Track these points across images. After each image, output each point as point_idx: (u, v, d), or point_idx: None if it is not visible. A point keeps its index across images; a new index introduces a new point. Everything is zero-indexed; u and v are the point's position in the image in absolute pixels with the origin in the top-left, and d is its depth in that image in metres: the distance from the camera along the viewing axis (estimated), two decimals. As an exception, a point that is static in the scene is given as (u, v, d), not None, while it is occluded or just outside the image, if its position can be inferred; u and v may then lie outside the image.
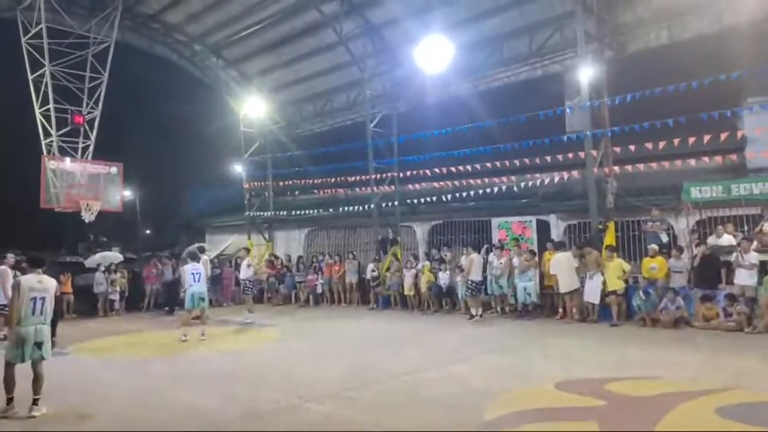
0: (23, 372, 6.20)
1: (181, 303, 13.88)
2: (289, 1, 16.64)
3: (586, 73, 12.68)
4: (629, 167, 13.19)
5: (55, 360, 8.99)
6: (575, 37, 12.99)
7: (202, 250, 13.16)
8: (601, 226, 12.57)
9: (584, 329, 10.92)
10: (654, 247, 11.54)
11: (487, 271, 13.40)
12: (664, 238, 12.15)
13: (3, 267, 10.75)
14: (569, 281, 11.80)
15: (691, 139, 11.80)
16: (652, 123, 11.67)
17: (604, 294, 11.46)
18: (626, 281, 11.46)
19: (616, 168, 13.31)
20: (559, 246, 12.60)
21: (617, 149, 13.09)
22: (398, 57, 17.06)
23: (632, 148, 12.69)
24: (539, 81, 16.16)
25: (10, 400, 6.05)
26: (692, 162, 12.46)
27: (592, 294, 11.52)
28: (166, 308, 15.98)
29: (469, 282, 12.48)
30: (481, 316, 12.40)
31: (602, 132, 12.92)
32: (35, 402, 6.10)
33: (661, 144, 12.12)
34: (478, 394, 6.36)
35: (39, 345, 6.21)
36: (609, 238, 12.28)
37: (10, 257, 10.96)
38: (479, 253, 13.01)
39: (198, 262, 11.65)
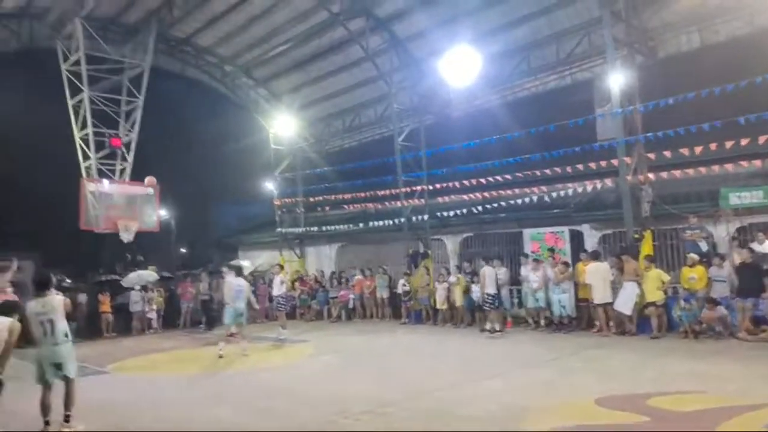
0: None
1: (216, 319, 14.21)
2: (315, 19, 16.91)
3: (617, 80, 12.47)
4: (664, 174, 12.88)
5: (95, 379, 9.25)
6: (604, 44, 12.82)
7: (230, 267, 13.35)
8: (637, 236, 12.26)
9: (623, 342, 10.64)
10: (693, 256, 11.20)
11: (523, 285, 13.25)
12: (704, 247, 11.78)
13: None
14: (604, 292, 11.53)
15: (729, 143, 11.45)
16: (687, 128, 11.38)
17: (643, 306, 11.17)
18: (665, 292, 11.14)
19: (651, 175, 13.00)
20: (595, 256, 12.34)
21: (651, 156, 12.81)
22: (424, 70, 17.12)
23: (667, 154, 12.40)
24: (568, 89, 15.99)
25: (46, 423, 6.14)
26: (730, 167, 12.10)
27: (623, 304, 11.22)
28: (201, 325, 16.24)
29: (485, 296, 12.35)
30: (499, 330, 12.20)
31: (635, 139, 12.67)
32: (66, 419, 6.19)
33: (698, 149, 11.78)
34: (514, 411, 6.25)
35: (58, 366, 6.25)
36: (646, 248, 11.97)
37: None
38: (491, 264, 12.85)
39: (241, 277, 11.87)
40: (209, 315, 15.99)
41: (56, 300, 6.43)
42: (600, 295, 11.56)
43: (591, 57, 14.58)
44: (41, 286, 6.49)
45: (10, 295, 10.24)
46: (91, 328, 15.62)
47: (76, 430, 6.19)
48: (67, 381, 6.32)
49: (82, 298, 15.67)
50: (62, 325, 6.35)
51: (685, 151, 11.94)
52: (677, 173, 12.67)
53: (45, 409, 6.18)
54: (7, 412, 6.16)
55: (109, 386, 8.83)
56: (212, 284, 16.25)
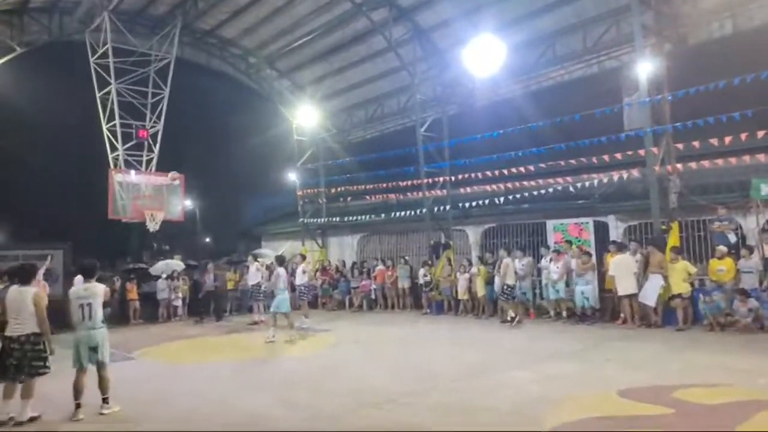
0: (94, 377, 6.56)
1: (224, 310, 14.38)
2: (338, 10, 16.90)
3: (645, 68, 12.21)
4: (693, 164, 12.59)
5: (123, 364, 9.47)
6: (632, 32, 12.56)
7: (255, 257, 13.59)
8: (664, 227, 12.05)
9: (647, 334, 10.50)
10: (722, 248, 10.97)
11: (543, 276, 13.17)
12: (732, 238, 11.52)
13: (79, 276, 11.30)
14: (627, 284, 11.38)
15: (760, 133, 11.13)
16: (717, 117, 11.09)
17: (669, 297, 11.00)
18: (692, 284, 10.95)
19: (679, 165, 12.74)
20: (621, 247, 12.17)
21: (680, 146, 12.54)
22: (448, 60, 17.00)
23: (696, 144, 12.12)
24: (595, 78, 15.72)
25: (78, 406, 6.36)
26: (761, 157, 11.76)
27: (647, 296, 11.07)
28: (197, 317, 16.24)
29: (504, 286, 12.32)
30: (518, 321, 12.25)
31: (663, 128, 12.41)
32: (105, 401, 6.49)
33: (727, 139, 11.48)
34: (537, 402, 6.23)
35: (94, 349, 6.52)
36: (673, 239, 11.76)
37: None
38: (512, 255, 12.92)
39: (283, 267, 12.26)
40: (219, 305, 16.20)
41: (98, 287, 6.74)
42: (625, 286, 11.41)
43: (619, 45, 14.33)
44: (88, 273, 6.88)
45: (40, 282, 10.58)
46: (119, 315, 15.99)
47: (114, 410, 6.45)
48: (102, 365, 6.56)
49: (117, 284, 16.10)
50: (100, 311, 6.66)
51: (714, 141, 11.65)
52: (706, 163, 12.39)
53: (78, 392, 6.40)
54: (39, 396, 6.36)
55: (135, 371, 9.05)
56: (214, 276, 16.31)
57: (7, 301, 6.44)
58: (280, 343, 11.36)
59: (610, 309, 12.19)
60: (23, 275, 6.65)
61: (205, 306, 16.32)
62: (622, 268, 11.47)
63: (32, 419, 6.21)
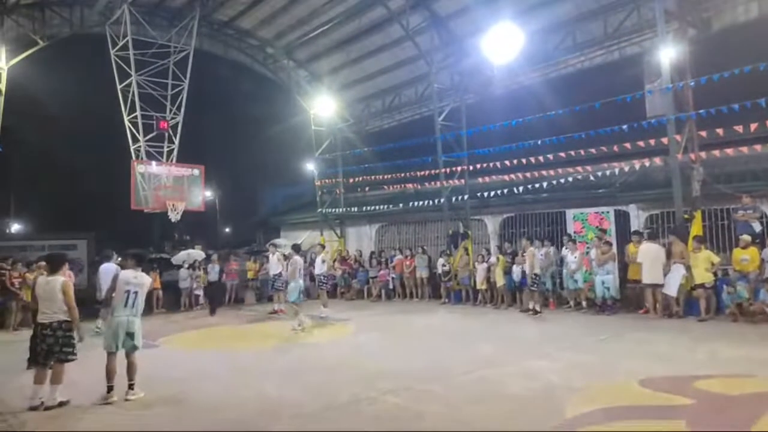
0: (121, 362, 6.72)
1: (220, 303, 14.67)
2: (355, -1, 16.83)
3: (667, 54, 11.99)
4: (716, 152, 12.38)
5: (147, 352, 9.64)
6: (654, 17, 12.31)
7: (276, 246, 13.73)
8: (686, 216, 11.88)
9: (669, 324, 10.41)
10: (746, 237, 10.78)
11: (563, 266, 13.11)
12: (757, 227, 11.32)
13: (106, 265, 11.50)
14: (654, 274, 11.25)
15: (787, 120, 10.91)
16: (742, 104, 10.87)
17: (691, 287, 10.87)
18: (715, 274, 10.80)
19: (703, 153, 12.52)
20: (651, 236, 12.00)
21: (703, 133, 12.32)
22: (466, 48, 16.84)
23: (720, 131, 11.89)
24: (616, 64, 15.45)
25: (110, 389, 6.57)
26: (788, 144, 11.53)
27: (669, 286, 10.95)
28: (199, 306, 16.25)
29: (533, 275, 12.29)
30: (540, 311, 12.25)
31: (686, 115, 12.20)
32: (131, 386, 6.67)
33: (753, 126, 11.26)
34: (557, 391, 6.23)
35: (131, 335, 6.76)
36: (696, 228, 11.60)
37: (115, 256, 11.78)
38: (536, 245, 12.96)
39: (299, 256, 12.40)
40: (216, 298, 15.77)
41: (146, 277, 7.07)
42: (652, 275, 11.28)
43: (641, 31, 14.05)
44: (140, 261, 7.22)
45: (66, 271, 10.78)
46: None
47: (139, 396, 6.63)
48: (130, 351, 6.77)
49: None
50: (143, 301, 6.95)
51: (739, 128, 11.42)
52: (730, 151, 12.17)
53: (110, 374, 6.61)
54: (67, 383, 6.54)
55: (160, 359, 9.23)
56: (220, 267, 16.17)
57: (37, 290, 6.65)
58: (296, 332, 11.50)
59: (632, 299, 12.08)
60: (52, 264, 6.84)
61: (209, 298, 15.93)
62: (650, 256, 11.34)
63: (61, 404, 6.39)
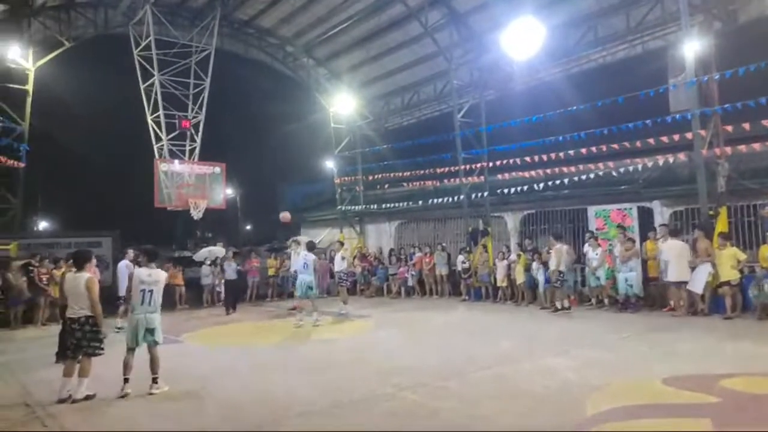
0: (144, 357, 6.87)
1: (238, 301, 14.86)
2: (374, -3, 16.84)
3: (692, 48, 11.76)
4: (743, 147, 12.10)
5: (170, 347, 9.82)
6: (678, 10, 12.09)
7: (298, 243, 13.79)
8: (711, 212, 11.66)
9: (694, 322, 10.22)
10: (773, 233, 10.55)
11: (585, 263, 12.96)
12: (785, 224, 11.07)
13: (124, 261, 11.76)
14: (679, 271, 11.05)
15: (817, 114, 10.63)
16: (770, 98, 10.63)
17: (717, 285, 10.67)
18: (741, 271, 10.58)
19: (728, 149, 12.25)
20: (674, 233, 11.80)
21: (729, 128, 12.05)
22: (485, 44, 16.74)
23: (746, 126, 11.63)
24: (639, 59, 15.24)
25: (126, 380, 6.72)
26: (817, 139, 11.22)
27: (694, 283, 10.75)
28: (220, 303, 16.11)
29: (559, 273, 12.16)
30: (566, 308, 12.11)
31: (711, 110, 11.95)
32: (155, 380, 6.81)
33: (780, 120, 11.01)
34: (578, 388, 6.17)
35: (151, 331, 6.90)
36: (721, 225, 11.36)
37: (130, 252, 12.00)
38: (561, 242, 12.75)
39: (312, 252, 12.49)
40: (233, 297, 15.37)
41: (161, 274, 7.14)
42: (675, 273, 11.09)
43: (664, 24, 13.83)
44: (151, 257, 7.25)
45: (92, 267, 11.01)
46: (166, 300, 16.53)
47: (163, 390, 6.77)
48: (152, 346, 6.91)
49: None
50: (160, 298, 7.06)
51: (766, 123, 11.15)
52: (757, 146, 11.87)
53: (127, 368, 6.76)
54: (93, 377, 6.69)
55: (182, 354, 9.38)
56: (237, 264, 15.84)
57: (65, 286, 6.83)
58: (318, 327, 11.59)
59: (657, 297, 11.89)
60: (78, 261, 7.01)
61: (226, 296, 15.56)
62: (674, 253, 11.14)
63: (88, 397, 6.54)
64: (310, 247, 12.71)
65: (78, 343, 6.62)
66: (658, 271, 11.53)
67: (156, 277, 7.01)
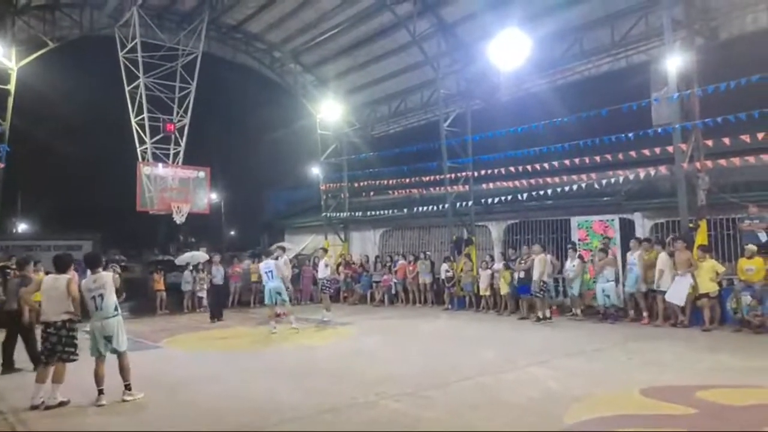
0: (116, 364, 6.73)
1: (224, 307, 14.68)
2: (363, 4, 16.88)
3: (674, 62, 11.96)
4: (723, 161, 12.31)
5: (149, 352, 9.70)
6: (661, 25, 12.29)
7: (284, 250, 13.72)
8: (692, 225, 11.82)
9: (672, 334, 10.33)
10: (751, 247, 10.69)
11: (563, 274, 13.08)
12: (763, 237, 11.23)
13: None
14: (656, 281, 11.26)
15: (794, 130, 10.84)
16: (750, 113, 10.81)
17: (696, 297, 10.80)
18: (720, 284, 10.73)
19: (709, 162, 12.45)
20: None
21: (709, 143, 12.25)
22: (472, 54, 16.85)
23: (726, 140, 11.83)
24: (622, 73, 15.43)
25: (100, 392, 6.55)
26: (795, 155, 11.44)
27: (675, 295, 10.89)
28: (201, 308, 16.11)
29: (542, 283, 12.24)
30: (548, 318, 12.16)
31: (692, 124, 12.14)
32: (127, 387, 6.63)
33: (760, 135, 11.17)
34: (557, 398, 6.20)
35: (108, 339, 6.62)
36: (701, 238, 11.53)
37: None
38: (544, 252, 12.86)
39: (273, 259, 12.40)
40: (219, 303, 15.29)
41: (106, 276, 6.77)
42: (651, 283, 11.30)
43: (648, 39, 14.02)
44: (91, 264, 6.91)
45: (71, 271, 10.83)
46: (146, 305, 16.33)
47: (137, 398, 6.60)
48: (118, 354, 6.69)
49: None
50: (111, 300, 6.71)
51: (746, 138, 11.35)
52: (737, 161, 12.09)
53: (99, 379, 6.59)
54: (66, 383, 6.56)
55: (161, 360, 9.25)
56: (221, 268, 15.83)
57: (44, 288, 6.69)
58: (300, 334, 11.51)
59: (632, 307, 12.02)
60: (60, 264, 6.86)
61: (212, 302, 15.47)
62: (666, 264, 11.32)
63: (62, 404, 6.41)
64: (268, 254, 12.66)
65: (53, 348, 6.49)
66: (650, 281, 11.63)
67: (101, 281, 6.67)
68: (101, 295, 6.64)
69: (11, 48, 15.75)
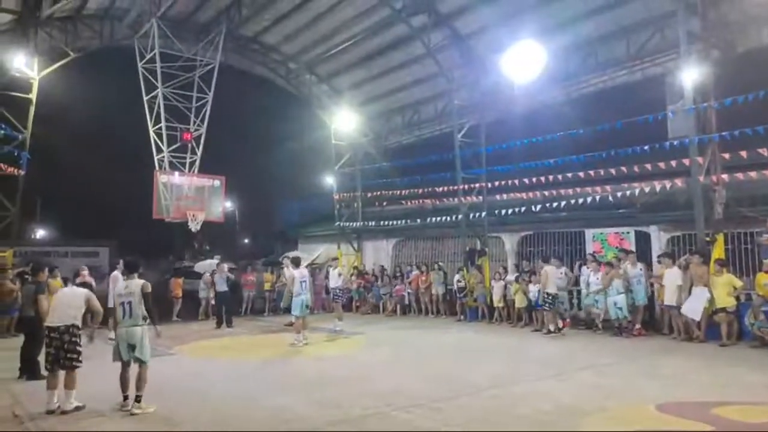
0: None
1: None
2: (378, 16, 17.04)
3: (690, 75, 11.89)
4: (740, 175, 12.18)
5: (163, 360, 9.77)
6: (677, 38, 12.24)
7: (298, 262, 13.75)
8: (708, 239, 11.68)
9: (689, 348, 10.19)
10: (770, 261, 10.56)
11: (582, 287, 12.94)
12: (782, 252, 11.08)
13: (115, 272, 11.68)
14: (672, 296, 11.17)
15: (813, 143, 10.71)
16: (766, 126, 10.71)
17: (713, 311, 10.66)
18: (737, 298, 10.57)
19: (725, 176, 12.32)
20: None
21: (726, 156, 12.13)
22: (487, 66, 16.90)
23: (743, 154, 11.72)
24: (638, 85, 15.34)
25: (125, 398, 6.59)
26: (814, 168, 11.30)
27: (691, 309, 10.75)
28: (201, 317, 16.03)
29: (545, 295, 12.14)
30: (556, 331, 12.02)
31: (708, 137, 12.04)
32: (137, 399, 6.50)
33: (777, 149, 11.09)
34: (570, 413, 6.14)
35: (132, 347, 6.58)
36: (718, 252, 11.39)
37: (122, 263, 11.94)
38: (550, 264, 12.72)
39: (300, 268, 12.30)
40: (224, 309, 15.22)
41: (137, 284, 6.72)
42: (668, 298, 11.18)
43: (664, 51, 13.95)
44: (130, 268, 7.00)
45: (87, 277, 11.03)
46: (162, 311, 16.43)
47: (147, 411, 6.44)
48: (140, 363, 6.63)
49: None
50: (140, 309, 6.66)
51: (763, 151, 11.24)
52: (754, 174, 11.96)
53: (124, 384, 6.60)
54: (83, 391, 6.64)
55: (174, 367, 9.32)
56: (228, 277, 15.65)
57: (58, 296, 6.79)
58: (311, 344, 11.51)
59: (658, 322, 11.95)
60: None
61: (218, 309, 15.56)
62: (669, 279, 11.30)
63: (77, 408, 6.47)
64: (297, 262, 12.49)
65: (56, 354, 6.50)
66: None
67: (131, 288, 6.65)
68: (130, 303, 6.61)
69: (33, 58, 16.14)
